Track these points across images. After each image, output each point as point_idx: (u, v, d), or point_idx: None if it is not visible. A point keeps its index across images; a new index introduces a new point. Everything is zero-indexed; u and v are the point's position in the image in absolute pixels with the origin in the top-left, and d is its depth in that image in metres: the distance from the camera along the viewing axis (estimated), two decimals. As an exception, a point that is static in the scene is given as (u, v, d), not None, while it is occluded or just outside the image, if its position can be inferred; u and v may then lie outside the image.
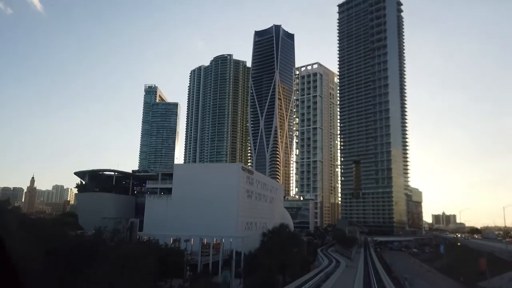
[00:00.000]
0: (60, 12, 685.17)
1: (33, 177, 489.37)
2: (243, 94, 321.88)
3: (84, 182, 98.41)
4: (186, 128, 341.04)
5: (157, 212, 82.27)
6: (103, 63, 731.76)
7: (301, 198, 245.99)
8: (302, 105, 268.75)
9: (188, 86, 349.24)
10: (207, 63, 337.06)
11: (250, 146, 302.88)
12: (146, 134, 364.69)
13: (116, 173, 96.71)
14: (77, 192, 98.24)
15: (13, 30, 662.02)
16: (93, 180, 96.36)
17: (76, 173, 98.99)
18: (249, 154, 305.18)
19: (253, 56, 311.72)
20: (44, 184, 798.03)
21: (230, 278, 46.56)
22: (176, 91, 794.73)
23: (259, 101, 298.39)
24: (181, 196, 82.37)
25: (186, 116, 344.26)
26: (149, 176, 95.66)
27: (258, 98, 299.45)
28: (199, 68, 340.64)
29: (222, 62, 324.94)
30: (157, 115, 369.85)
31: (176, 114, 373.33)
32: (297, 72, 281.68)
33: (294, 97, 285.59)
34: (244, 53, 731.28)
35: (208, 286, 42.91)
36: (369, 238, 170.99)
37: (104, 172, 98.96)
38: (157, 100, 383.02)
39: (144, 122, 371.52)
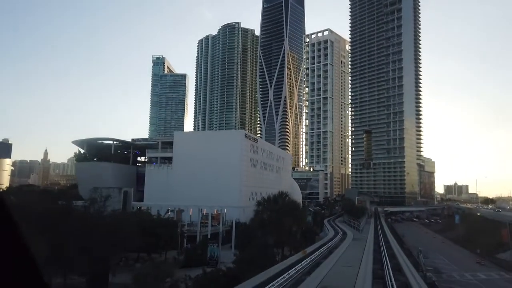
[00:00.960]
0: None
1: (46, 150, 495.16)
2: (252, 64, 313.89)
3: (82, 152, 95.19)
4: (194, 99, 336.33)
5: (158, 182, 79.03)
6: (110, 33, 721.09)
7: (311, 169, 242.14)
8: (312, 74, 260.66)
9: (196, 56, 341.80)
10: (215, 32, 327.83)
11: (259, 117, 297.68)
12: (155, 105, 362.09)
13: (115, 142, 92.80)
14: (75, 162, 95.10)
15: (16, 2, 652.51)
16: (92, 149, 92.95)
17: (75, 142, 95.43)
18: (258, 125, 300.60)
19: (262, 23, 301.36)
20: (60, 157, 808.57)
21: (217, 252, 43.00)
22: (185, 62, 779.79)
23: (268, 70, 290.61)
24: (182, 165, 78.78)
25: (195, 87, 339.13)
26: (149, 145, 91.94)
27: (267, 67, 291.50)
28: (207, 37, 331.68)
29: (230, 30, 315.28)
30: (165, 86, 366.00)
31: (185, 85, 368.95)
32: (307, 40, 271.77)
33: (304, 66, 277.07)
34: (253, 21, 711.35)
35: (197, 259, 39.36)
36: (379, 209, 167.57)
37: (103, 141, 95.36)
38: (165, 71, 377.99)
39: (153, 93, 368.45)
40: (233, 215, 68.86)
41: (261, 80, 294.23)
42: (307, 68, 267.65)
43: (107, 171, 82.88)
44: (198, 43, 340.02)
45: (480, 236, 77.50)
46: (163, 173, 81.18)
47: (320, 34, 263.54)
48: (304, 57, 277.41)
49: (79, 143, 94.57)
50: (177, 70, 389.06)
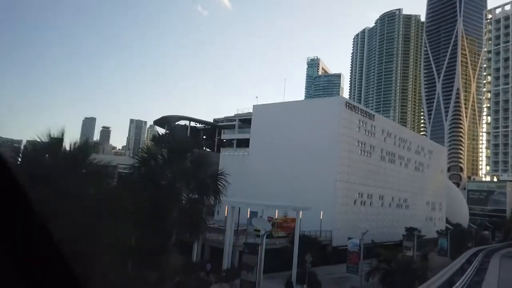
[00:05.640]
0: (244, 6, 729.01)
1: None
2: (416, 55, 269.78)
3: (161, 133, 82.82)
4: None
5: (231, 172, 59.89)
6: (265, 36, 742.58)
7: (495, 179, 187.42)
8: (496, 57, 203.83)
9: (351, 53, 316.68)
10: (372, 25, 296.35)
11: (423, 116, 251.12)
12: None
13: (197, 124, 76.31)
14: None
15: (204, 29, 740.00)
16: (172, 131, 79.72)
17: (156, 122, 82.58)
18: (422, 125, 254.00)
19: (428, 5, 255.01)
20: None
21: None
22: (340, 61, 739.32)
23: (435, 60, 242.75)
24: (260, 149, 57.28)
25: (349, 87, 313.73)
26: (232, 126, 72.48)
27: (433, 56, 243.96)
28: (363, 31, 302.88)
29: (389, 20, 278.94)
30: (319, 88, 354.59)
31: (339, 86, 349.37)
32: (490, 16, 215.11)
33: (485, 49, 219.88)
34: (417, 6, 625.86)
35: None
36: None
37: (181, 121, 79.49)
38: (320, 73, 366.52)
39: (307, 95, 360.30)
40: (325, 221, 45.08)
41: (425, 71, 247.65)
42: (489, 52, 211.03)
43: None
44: (354, 38, 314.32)
45: None
46: (238, 159, 60.78)
47: (507, 7, 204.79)
48: (485, 37, 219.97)
49: (159, 122, 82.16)
50: (332, 70, 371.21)
